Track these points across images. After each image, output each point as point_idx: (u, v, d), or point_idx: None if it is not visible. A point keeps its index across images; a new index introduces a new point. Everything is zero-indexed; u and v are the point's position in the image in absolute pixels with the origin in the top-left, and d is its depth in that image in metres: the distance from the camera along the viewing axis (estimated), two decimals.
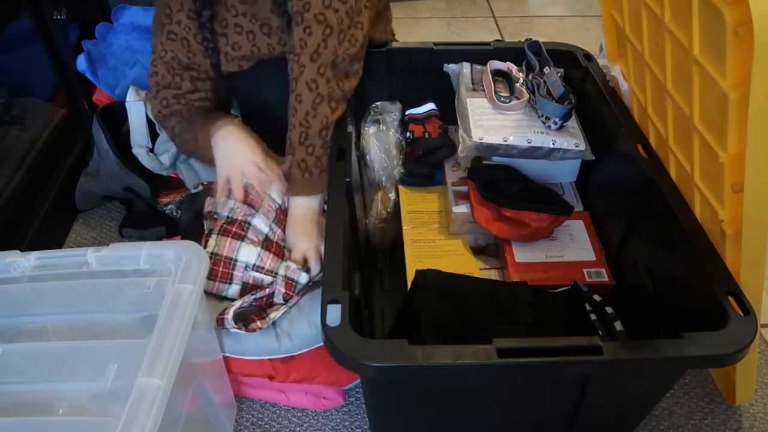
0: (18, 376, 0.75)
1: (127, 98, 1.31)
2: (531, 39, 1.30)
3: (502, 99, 1.20)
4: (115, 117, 1.34)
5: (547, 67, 1.21)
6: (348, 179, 0.98)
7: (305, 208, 1.05)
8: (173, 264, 0.79)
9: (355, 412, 1.02)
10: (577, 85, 1.26)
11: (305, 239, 1.04)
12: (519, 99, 1.20)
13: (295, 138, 1.03)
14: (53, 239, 1.31)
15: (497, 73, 1.28)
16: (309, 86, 1.02)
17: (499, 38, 2.11)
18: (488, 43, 1.32)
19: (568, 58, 1.29)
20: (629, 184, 1.05)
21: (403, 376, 0.78)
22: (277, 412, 1.02)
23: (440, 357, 0.72)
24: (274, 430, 1.00)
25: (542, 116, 1.16)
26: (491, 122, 1.17)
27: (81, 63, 1.46)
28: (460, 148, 1.13)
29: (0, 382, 0.75)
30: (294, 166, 1.04)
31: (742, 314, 0.77)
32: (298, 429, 1.00)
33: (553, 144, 1.13)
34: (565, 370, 0.75)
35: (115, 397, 0.70)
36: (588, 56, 1.28)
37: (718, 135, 0.82)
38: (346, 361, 0.73)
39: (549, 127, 1.15)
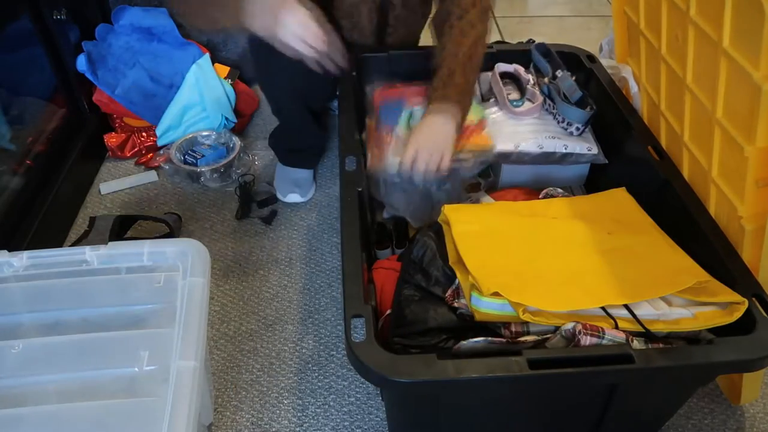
0: (52, 367, 0.77)
1: None
2: (533, 40, 1.30)
3: (514, 103, 1.18)
4: None
5: (559, 71, 1.19)
6: (360, 189, 0.96)
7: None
8: (180, 260, 0.85)
9: (354, 413, 1.02)
10: (581, 87, 1.25)
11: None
12: (531, 101, 1.18)
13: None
14: (53, 239, 1.31)
15: (504, 76, 1.27)
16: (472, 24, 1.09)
17: (499, 38, 2.11)
18: (490, 46, 1.31)
19: (571, 59, 1.28)
20: (641, 187, 1.03)
21: (434, 391, 0.77)
22: (277, 412, 1.02)
23: (471, 371, 0.71)
24: (274, 430, 1.00)
25: (563, 122, 1.14)
26: (502, 129, 1.15)
27: (81, 63, 1.46)
28: None
29: (39, 373, 0.76)
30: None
31: (767, 316, 0.76)
32: (298, 429, 1.00)
33: (566, 149, 1.12)
34: (596, 379, 0.74)
35: (152, 380, 0.74)
36: (591, 57, 1.28)
37: (745, 128, 0.81)
38: (375, 377, 0.71)
39: (571, 132, 1.14)
